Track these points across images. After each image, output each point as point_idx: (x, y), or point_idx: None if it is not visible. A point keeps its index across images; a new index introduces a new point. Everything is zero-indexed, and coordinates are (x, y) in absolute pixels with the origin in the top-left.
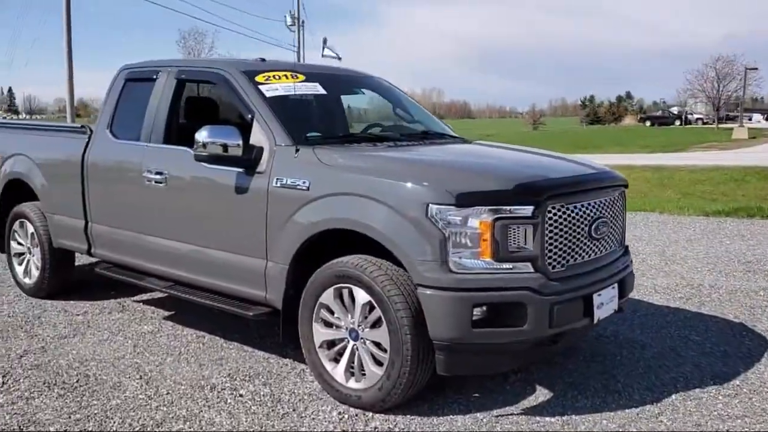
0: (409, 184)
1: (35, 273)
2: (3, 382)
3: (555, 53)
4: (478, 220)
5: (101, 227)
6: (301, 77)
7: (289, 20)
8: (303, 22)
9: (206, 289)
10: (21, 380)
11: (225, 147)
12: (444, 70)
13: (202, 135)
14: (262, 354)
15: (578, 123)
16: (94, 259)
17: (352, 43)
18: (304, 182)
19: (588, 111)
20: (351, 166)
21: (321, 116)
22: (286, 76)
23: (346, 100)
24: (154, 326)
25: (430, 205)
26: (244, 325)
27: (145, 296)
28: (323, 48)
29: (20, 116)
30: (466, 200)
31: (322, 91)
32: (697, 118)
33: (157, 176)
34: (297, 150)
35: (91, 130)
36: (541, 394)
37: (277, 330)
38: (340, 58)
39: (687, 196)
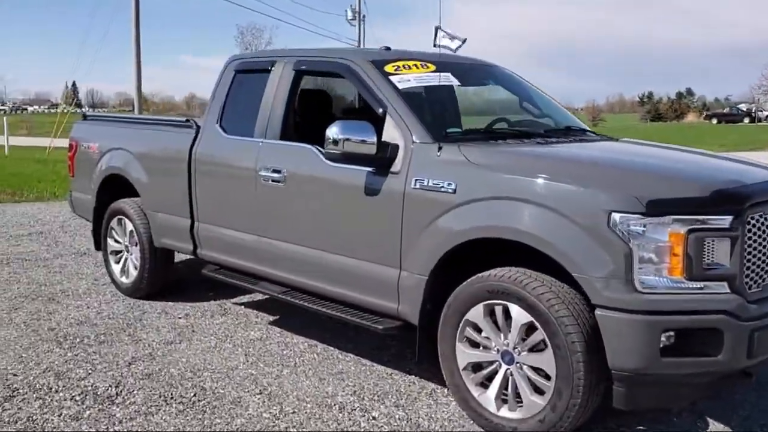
0: (586, 189)
1: (133, 272)
2: (117, 393)
3: (611, 48)
4: (669, 231)
5: (209, 227)
6: (432, 67)
7: (350, 14)
8: (364, 16)
9: (326, 297)
10: (135, 392)
11: (358, 144)
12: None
13: (333, 131)
14: (382, 369)
15: (638, 120)
16: (185, 257)
17: (406, 39)
18: (449, 184)
19: (649, 108)
20: (507, 166)
21: (450, 110)
22: (416, 65)
23: (469, 92)
24: (261, 332)
25: (613, 213)
26: (355, 333)
27: (245, 298)
28: (436, 36)
29: (84, 109)
30: (656, 208)
31: (456, 82)
32: None
33: (275, 175)
34: (440, 148)
35: (197, 125)
36: (717, 430)
37: (390, 342)
38: (464, 41)
39: None
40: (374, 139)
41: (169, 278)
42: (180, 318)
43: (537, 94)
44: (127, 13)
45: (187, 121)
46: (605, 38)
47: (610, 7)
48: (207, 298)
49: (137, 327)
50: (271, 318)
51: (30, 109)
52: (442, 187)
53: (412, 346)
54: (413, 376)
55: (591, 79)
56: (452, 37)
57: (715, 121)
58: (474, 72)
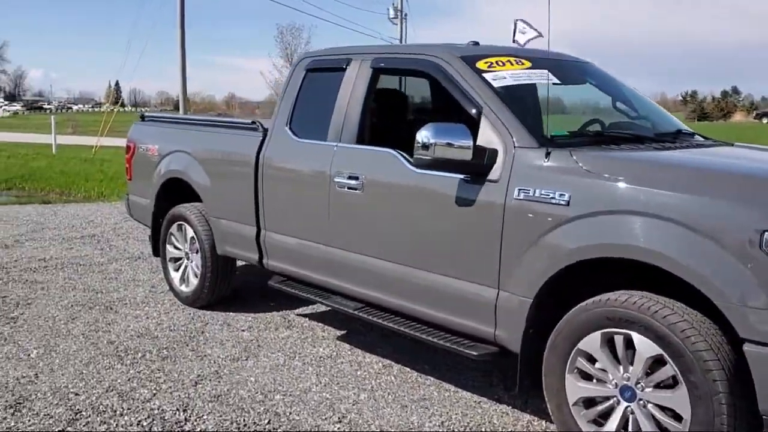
0: (732, 204)
1: (193, 281)
2: (186, 419)
3: (652, 46)
4: None
5: (277, 236)
6: (527, 63)
7: (391, 13)
8: (406, 14)
9: (407, 315)
10: (204, 416)
11: (452, 149)
12: None
13: (424, 135)
14: (468, 396)
15: (684, 119)
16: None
17: (444, 38)
18: (561, 195)
19: (693, 107)
20: (633, 175)
21: (538, 111)
22: (509, 61)
23: (563, 91)
24: (330, 349)
25: (767, 233)
26: (431, 352)
27: (308, 310)
28: (514, 30)
29: (126, 109)
30: None
31: (554, 80)
32: None
33: (351, 181)
34: (548, 153)
35: (264, 127)
36: None
37: (470, 363)
38: (538, 34)
39: None
40: (471, 143)
41: (231, 287)
42: (243, 330)
43: (633, 94)
44: (169, 12)
45: (253, 123)
46: (650, 36)
47: (644, 3)
48: (268, 308)
49: (200, 341)
50: (339, 333)
51: (75, 107)
52: (553, 198)
53: (499, 371)
54: (504, 405)
55: (637, 78)
56: (523, 31)
57: (765, 120)
58: (570, 69)
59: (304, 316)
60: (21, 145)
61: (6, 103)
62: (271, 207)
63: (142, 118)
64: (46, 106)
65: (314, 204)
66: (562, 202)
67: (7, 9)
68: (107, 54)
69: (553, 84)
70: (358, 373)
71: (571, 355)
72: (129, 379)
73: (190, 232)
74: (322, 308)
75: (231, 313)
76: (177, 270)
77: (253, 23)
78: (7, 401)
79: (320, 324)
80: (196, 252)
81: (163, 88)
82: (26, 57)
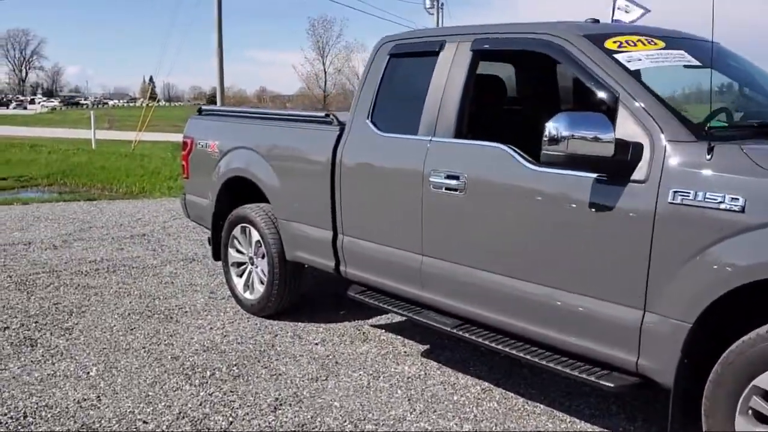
0: None
1: (259, 288)
2: None
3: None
4: None
5: (357, 242)
6: (660, 43)
7: (428, 2)
8: (442, 4)
9: (515, 335)
10: None
11: (589, 142)
12: None
13: (555, 126)
14: (588, 428)
15: None
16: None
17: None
18: (733, 200)
19: None
20: None
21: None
22: (641, 41)
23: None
24: (417, 367)
25: None
26: (531, 372)
27: (382, 320)
28: (614, 9)
29: (160, 103)
30: None
31: (694, 62)
32: None
33: (450, 182)
34: (711, 148)
35: (339, 120)
36: None
37: (582, 387)
38: (646, 11)
39: None
40: (612, 135)
41: (299, 295)
42: (316, 344)
43: (764, 76)
44: (202, 9)
45: (327, 116)
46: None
47: None
48: (339, 317)
49: (272, 356)
50: (422, 347)
51: (110, 103)
52: (722, 203)
53: (614, 395)
54: None
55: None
56: (626, 9)
57: None
58: (704, 50)
59: (380, 327)
60: (60, 141)
61: (44, 99)
62: (350, 209)
63: (200, 112)
64: (82, 102)
65: (403, 207)
66: (735, 208)
67: (44, 7)
68: (141, 50)
69: (693, 67)
70: (455, 398)
71: (744, 392)
72: (200, 404)
73: (255, 236)
74: (398, 318)
75: (300, 324)
76: (240, 276)
77: (283, 17)
78: (70, 431)
79: (399, 337)
80: (262, 257)
81: (197, 82)
82: (63, 54)
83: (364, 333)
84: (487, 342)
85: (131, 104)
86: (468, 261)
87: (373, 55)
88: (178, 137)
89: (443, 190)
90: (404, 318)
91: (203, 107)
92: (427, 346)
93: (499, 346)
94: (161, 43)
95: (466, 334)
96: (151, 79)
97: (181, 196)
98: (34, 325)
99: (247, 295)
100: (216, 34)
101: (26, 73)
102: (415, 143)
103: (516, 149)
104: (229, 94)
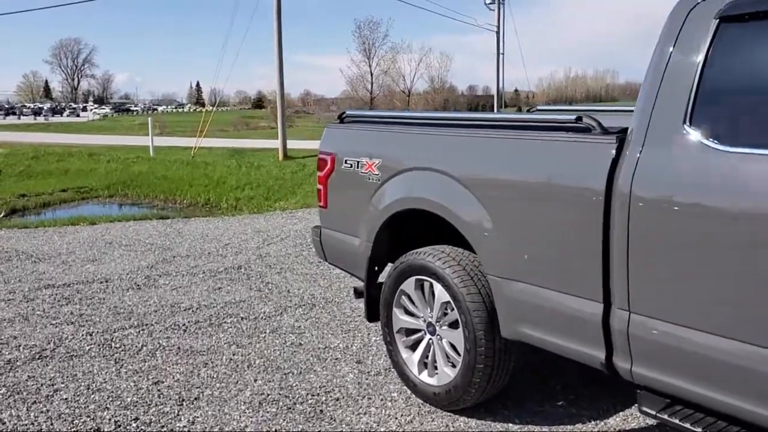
0: None
1: (447, 371)
2: None
3: None
4: None
5: (658, 325)
6: None
7: None
8: None
9: None
10: None
11: None
12: (619, 51)
13: None
14: None
15: None
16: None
17: (524, 24)
18: None
19: None
20: None
21: None
22: None
23: None
24: None
25: None
26: None
27: (629, 413)
28: None
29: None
30: None
31: None
32: None
33: None
34: None
35: (604, 127)
36: None
37: None
38: None
39: None
40: None
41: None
42: None
43: None
44: (246, 12)
45: (578, 119)
46: None
47: None
48: (557, 410)
49: None
50: None
51: (159, 109)
52: None
53: None
54: None
55: None
56: None
57: None
58: None
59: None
60: (116, 148)
61: (96, 106)
62: (645, 271)
63: (341, 119)
64: (132, 108)
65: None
66: None
67: (95, 15)
68: (187, 56)
69: None
70: None
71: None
72: None
73: (442, 295)
74: (642, 420)
75: (513, 425)
76: (412, 348)
77: (331, 20)
78: None
79: None
80: (454, 326)
81: (242, 87)
82: (112, 62)
83: None
84: None
85: (179, 110)
86: None
87: (682, 21)
88: (232, 143)
89: None
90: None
91: (348, 112)
92: None
93: None
94: (219, 50)
95: None
96: (197, 84)
97: (315, 230)
98: (133, 425)
99: (426, 379)
100: (276, 43)
101: (78, 81)
102: None
103: None
104: (271, 98)
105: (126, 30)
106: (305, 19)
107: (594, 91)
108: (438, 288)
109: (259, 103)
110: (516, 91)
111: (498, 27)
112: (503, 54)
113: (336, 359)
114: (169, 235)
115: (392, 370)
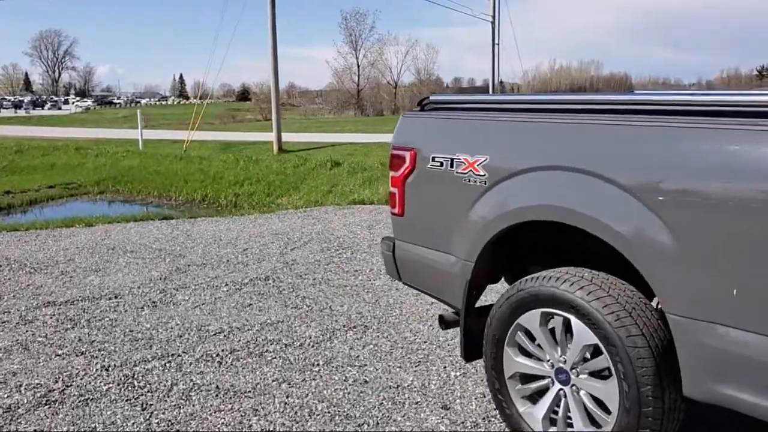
0: None
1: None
2: None
3: (725, 18)
4: None
5: None
6: None
7: None
8: None
9: None
10: None
11: None
12: (603, 42)
13: None
14: None
15: None
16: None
17: (514, 15)
18: None
19: None
20: None
21: None
22: None
23: None
24: None
25: None
26: None
27: None
28: None
29: (197, 101)
30: None
31: None
32: None
33: None
34: None
35: None
36: None
37: None
38: None
39: None
40: None
41: None
42: None
43: None
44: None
45: None
46: (723, 7)
47: None
48: None
49: None
50: None
51: (143, 101)
52: None
53: None
54: None
55: (708, 52)
56: None
57: None
58: None
59: None
60: (103, 142)
61: (78, 99)
62: None
63: (422, 106)
64: (116, 101)
65: None
66: None
67: (75, 7)
68: (169, 49)
69: None
70: None
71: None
72: None
73: (584, 335)
74: None
75: None
76: (532, 399)
77: (315, 13)
78: None
79: None
80: (600, 376)
81: (224, 80)
82: (93, 54)
83: None
84: None
85: (163, 102)
86: None
87: None
88: (222, 136)
89: None
90: None
91: (433, 97)
92: None
93: None
94: (202, 42)
95: None
96: (180, 76)
97: (386, 243)
98: None
99: None
100: (270, 30)
101: (59, 74)
102: None
103: None
104: (256, 91)
105: (107, 22)
106: (290, 9)
107: (579, 83)
108: (578, 325)
109: (244, 95)
110: (501, 83)
111: (493, 17)
112: (498, 44)
113: (416, 403)
114: (177, 238)
115: (491, 419)
